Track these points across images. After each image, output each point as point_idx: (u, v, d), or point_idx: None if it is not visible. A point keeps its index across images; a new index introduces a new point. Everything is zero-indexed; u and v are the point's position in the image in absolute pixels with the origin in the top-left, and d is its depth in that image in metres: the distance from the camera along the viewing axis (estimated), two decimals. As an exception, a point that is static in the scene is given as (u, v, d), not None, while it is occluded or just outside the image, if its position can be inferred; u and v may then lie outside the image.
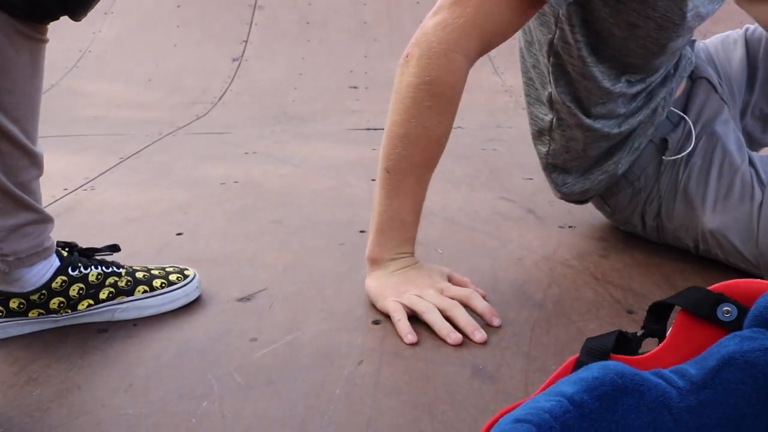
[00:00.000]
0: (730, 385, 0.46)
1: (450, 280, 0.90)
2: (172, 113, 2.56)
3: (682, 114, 1.00)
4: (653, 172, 1.01)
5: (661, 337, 0.53)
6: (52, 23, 0.69)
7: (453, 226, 1.21)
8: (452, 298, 0.83)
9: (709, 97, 1.02)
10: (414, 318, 0.82)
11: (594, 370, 0.47)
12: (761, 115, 1.15)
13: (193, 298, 0.89)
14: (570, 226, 1.19)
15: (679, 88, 1.02)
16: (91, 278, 0.82)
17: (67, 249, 0.83)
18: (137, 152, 1.89)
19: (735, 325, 0.49)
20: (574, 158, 1.02)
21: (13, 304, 0.78)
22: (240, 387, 0.70)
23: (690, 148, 0.97)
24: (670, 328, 0.52)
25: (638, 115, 0.98)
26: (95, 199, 1.41)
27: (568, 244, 1.10)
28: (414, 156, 0.83)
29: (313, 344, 0.79)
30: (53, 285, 0.79)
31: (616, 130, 0.97)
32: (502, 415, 0.45)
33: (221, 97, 2.84)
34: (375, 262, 0.88)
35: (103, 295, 0.82)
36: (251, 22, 3.46)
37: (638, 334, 0.53)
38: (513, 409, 0.46)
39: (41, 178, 0.77)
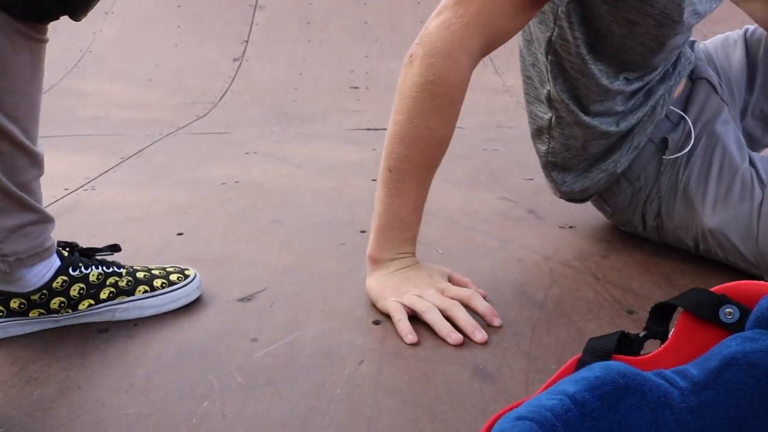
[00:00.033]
0: (732, 385, 0.46)
1: (450, 280, 0.90)
2: (172, 113, 2.56)
3: (682, 113, 1.00)
4: (653, 172, 1.01)
5: (663, 338, 0.53)
6: (52, 23, 0.69)
7: (453, 226, 1.21)
8: (453, 298, 0.83)
9: (709, 97, 1.02)
10: (414, 318, 0.82)
11: (596, 369, 0.47)
12: (761, 116, 1.16)
13: (193, 298, 0.89)
14: (570, 227, 1.19)
15: (679, 87, 1.02)
16: (92, 278, 0.82)
17: (67, 249, 0.83)
18: (138, 152, 1.89)
19: (737, 327, 0.49)
20: (573, 156, 1.02)
21: (14, 303, 0.78)
22: (241, 387, 0.70)
23: (690, 146, 0.97)
24: (673, 330, 0.52)
25: (636, 113, 0.98)
26: (96, 199, 1.41)
27: (568, 245, 1.10)
28: (416, 156, 0.83)
29: (313, 344, 0.79)
30: (54, 285, 0.79)
31: (614, 128, 0.97)
32: (501, 415, 0.45)
33: (222, 97, 2.84)
34: (375, 261, 0.88)
35: (103, 294, 0.82)
36: (252, 22, 3.46)
37: (640, 336, 0.53)
38: (513, 408, 0.46)
39: (42, 178, 0.77)
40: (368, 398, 0.68)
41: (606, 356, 0.49)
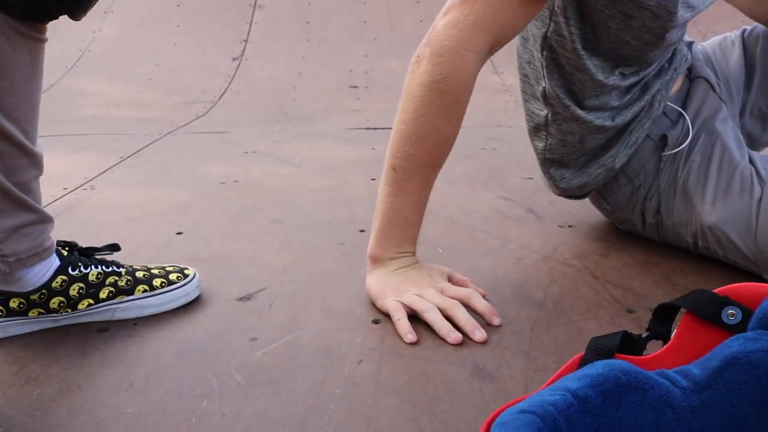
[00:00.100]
0: (734, 385, 0.46)
1: (450, 279, 0.90)
2: (172, 112, 2.56)
3: (680, 111, 1.00)
4: (653, 169, 1.01)
5: (665, 339, 0.53)
6: (51, 22, 0.69)
7: (453, 226, 1.21)
8: (452, 298, 0.83)
9: (708, 96, 1.02)
10: (414, 317, 0.82)
11: (599, 367, 0.47)
12: (760, 115, 1.16)
13: (193, 297, 0.89)
14: (570, 226, 1.19)
15: (676, 84, 1.03)
16: (91, 278, 0.81)
17: (67, 248, 0.82)
18: (137, 151, 1.89)
19: (739, 328, 0.49)
20: (571, 152, 1.02)
21: (14, 303, 0.78)
22: (240, 386, 0.70)
23: (688, 141, 0.98)
24: (675, 330, 0.52)
25: (633, 108, 0.98)
26: (95, 199, 1.41)
27: (568, 244, 1.10)
28: (422, 155, 0.83)
29: (313, 343, 0.79)
30: (53, 284, 0.79)
31: (610, 123, 0.98)
32: (501, 411, 0.45)
33: (221, 96, 2.84)
34: (376, 260, 0.88)
35: (103, 294, 0.82)
36: (251, 22, 3.46)
37: (643, 336, 0.53)
38: (513, 405, 0.46)
39: (41, 178, 0.76)
40: (368, 397, 0.68)
41: (609, 355, 0.50)
